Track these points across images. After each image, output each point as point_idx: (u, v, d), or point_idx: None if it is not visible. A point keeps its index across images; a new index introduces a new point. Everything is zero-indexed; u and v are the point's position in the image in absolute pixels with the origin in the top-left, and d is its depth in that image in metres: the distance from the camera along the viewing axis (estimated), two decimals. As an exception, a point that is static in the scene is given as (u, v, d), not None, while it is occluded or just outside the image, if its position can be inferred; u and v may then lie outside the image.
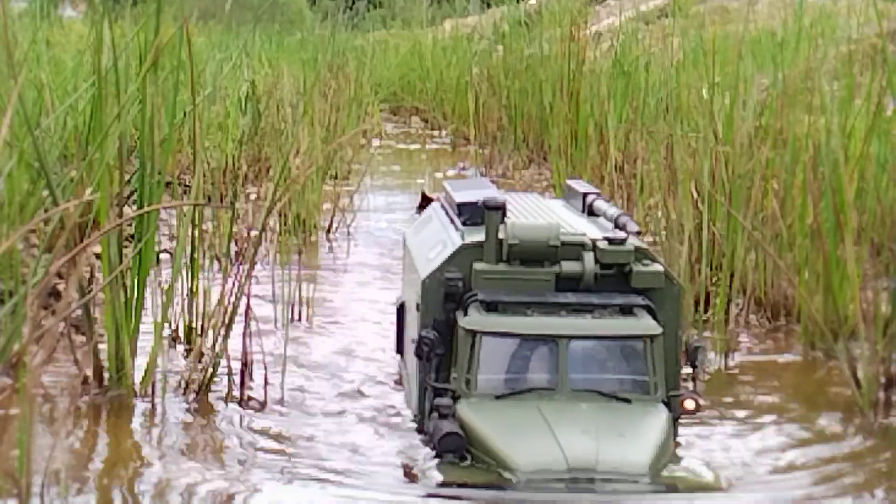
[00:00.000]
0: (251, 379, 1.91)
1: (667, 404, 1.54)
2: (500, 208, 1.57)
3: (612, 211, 1.72)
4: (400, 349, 1.85)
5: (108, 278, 1.80)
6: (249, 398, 1.88)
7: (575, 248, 1.58)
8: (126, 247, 1.94)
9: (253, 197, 3.50)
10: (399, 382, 1.94)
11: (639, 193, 3.28)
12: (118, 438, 1.70)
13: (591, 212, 1.81)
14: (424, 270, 1.61)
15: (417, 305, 1.62)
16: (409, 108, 7.36)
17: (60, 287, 2.17)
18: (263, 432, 1.74)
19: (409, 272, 1.82)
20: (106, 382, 1.84)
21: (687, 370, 1.66)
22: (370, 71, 5.96)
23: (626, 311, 1.55)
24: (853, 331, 2.03)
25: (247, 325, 1.91)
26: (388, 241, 3.37)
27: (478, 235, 1.59)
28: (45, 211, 2.05)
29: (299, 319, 2.39)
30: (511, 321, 1.53)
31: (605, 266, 1.58)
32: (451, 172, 5.03)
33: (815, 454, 1.71)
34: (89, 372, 1.85)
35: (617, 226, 1.66)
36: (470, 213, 1.66)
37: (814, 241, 2.25)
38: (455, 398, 1.52)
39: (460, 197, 1.73)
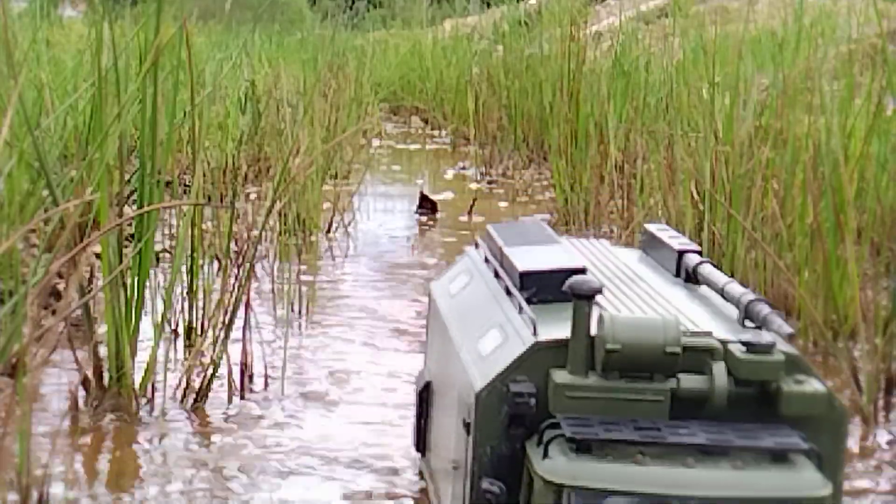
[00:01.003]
0: (251, 381, 1.92)
1: None
2: (593, 296, 1.06)
3: (737, 289, 1.20)
4: (422, 447, 1.40)
5: (108, 278, 1.80)
6: (250, 399, 1.88)
7: (699, 356, 1.08)
8: (126, 247, 1.94)
9: (253, 197, 3.50)
10: (422, 481, 1.50)
11: (639, 193, 3.28)
12: (118, 439, 1.70)
13: (689, 277, 1.31)
14: (478, 376, 1.11)
15: (466, 425, 1.12)
16: (409, 107, 7.36)
17: (60, 287, 2.17)
18: (264, 433, 1.74)
19: (441, 347, 1.33)
20: (106, 382, 1.84)
21: None
22: (370, 71, 5.96)
23: (780, 457, 1.02)
24: (853, 330, 2.03)
25: (247, 325, 1.91)
26: (386, 242, 3.38)
27: (555, 327, 1.10)
28: (45, 211, 2.05)
29: (299, 316, 2.40)
30: (615, 471, 1.00)
31: (743, 382, 1.07)
32: (451, 172, 5.04)
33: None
34: (89, 372, 1.85)
35: (749, 316, 1.16)
36: (538, 288, 1.19)
37: (814, 241, 2.25)
38: None
39: (521, 261, 1.23)
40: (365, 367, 2.09)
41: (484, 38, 6.64)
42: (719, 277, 1.25)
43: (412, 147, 6.09)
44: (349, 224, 3.50)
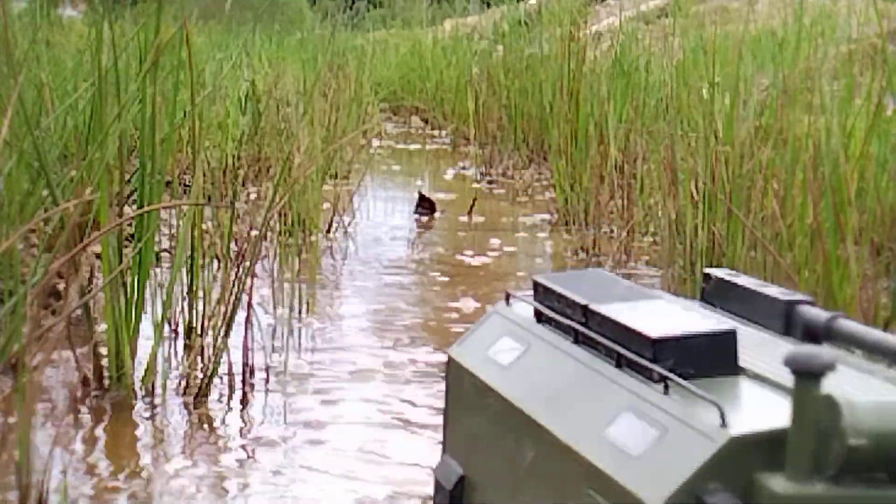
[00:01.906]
0: (252, 378, 1.92)
1: None
2: (824, 374, 0.75)
3: None
4: None
5: (108, 278, 1.80)
6: (250, 397, 1.88)
7: None
8: (126, 247, 1.94)
9: (253, 197, 3.50)
10: None
11: (639, 193, 3.28)
12: (118, 439, 1.70)
13: (811, 336, 0.97)
14: (642, 484, 0.81)
15: None
16: (409, 107, 7.37)
17: (60, 287, 2.17)
18: (265, 431, 1.74)
19: (498, 433, 1.02)
20: (106, 382, 1.84)
21: None
22: (370, 71, 5.97)
23: None
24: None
25: (248, 324, 1.91)
26: (386, 241, 3.38)
27: (734, 414, 0.80)
28: (45, 211, 2.05)
29: (299, 315, 2.40)
30: None
31: None
32: (451, 172, 5.04)
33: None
34: (89, 372, 1.85)
35: None
36: (677, 359, 0.87)
37: (814, 241, 2.25)
38: None
39: (642, 323, 0.90)
40: (365, 364, 2.09)
41: (484, 38, 6.65)
42: (887, 338, 0.89)
43: (412, 147, 6.10)
44: (349, 224, 3.50)
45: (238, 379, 1.90)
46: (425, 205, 3.90)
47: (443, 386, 1.12)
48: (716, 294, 1.08)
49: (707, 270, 1.10)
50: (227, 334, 1.90)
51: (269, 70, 4.90)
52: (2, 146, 1.93)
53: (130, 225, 2.03)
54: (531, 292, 1.07)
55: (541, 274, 1.07)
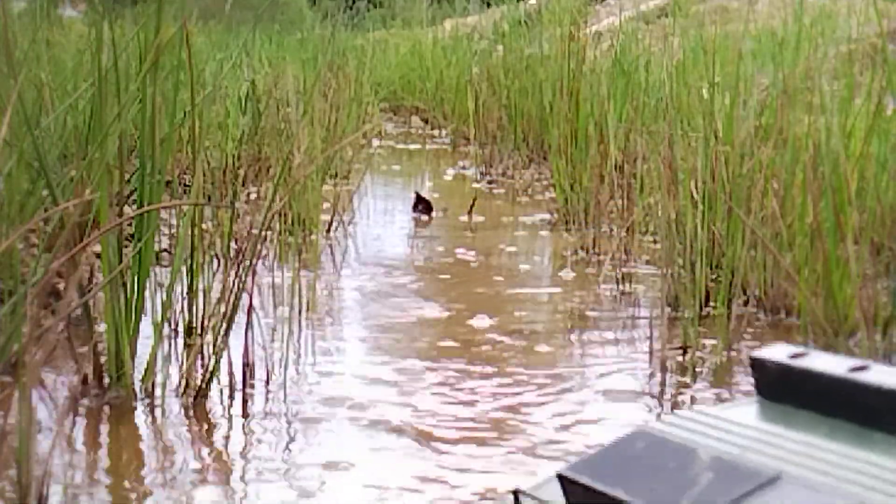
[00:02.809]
0: (251, 377, 1.92)
1: None
2: None
3: None
4: None
5: (108, 278, 1.80)
6: (251, 397, 1.88)
7: None
8: (126, 247, 1.94)
9: (253, 197, 3.50)
10: None
11: (639, 193, 3.28)
12: (118, 439, 1.70)
13: None
14: None
15: None
16: (409, 107, 7.37)
17: (60, 287, 2.17)
18: (265, 431, 1.74)
19: None
20: (106, 382, 1.84)
21: None
22: (370, 71, 5.97)
23: None
24: (853, 330, 2.03)
25: (248, 323, 1.91)
26: (384, 240, 3.38)
27: None
28: (45, 211, 2.05)
29: (299, 315, 2.40)
30: None
31: None
32: (451, 172, 5.04)
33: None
34: (89, 372, 1.85)
35: None
36: None
37: (814, 241, 2.25)
38: None
39: None
40: (367, 364, 2.09)
41: (484, 38, 6.65)
42: None
43: (412, 147, 6.10)
44: (349, 223, 3.50)
45: (238, 379, 1.90)
46: (422, 204, 3.91)
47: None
48: (782, 389, 0.67)
49: (754, 355, 0.70)
50: (227, 334, 1.90)
51: (269, 70, 4.90)
52: (2, 146, 1.93)
53: (130, 225, 2.03)
54: (546, 483, 0.67)
55: (568, 465, 0.64)
